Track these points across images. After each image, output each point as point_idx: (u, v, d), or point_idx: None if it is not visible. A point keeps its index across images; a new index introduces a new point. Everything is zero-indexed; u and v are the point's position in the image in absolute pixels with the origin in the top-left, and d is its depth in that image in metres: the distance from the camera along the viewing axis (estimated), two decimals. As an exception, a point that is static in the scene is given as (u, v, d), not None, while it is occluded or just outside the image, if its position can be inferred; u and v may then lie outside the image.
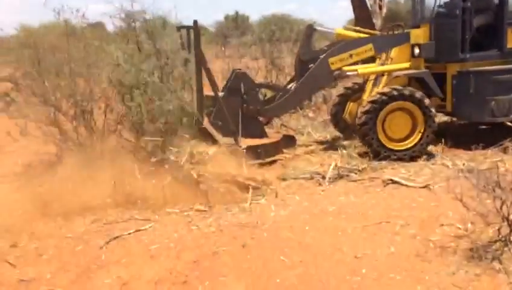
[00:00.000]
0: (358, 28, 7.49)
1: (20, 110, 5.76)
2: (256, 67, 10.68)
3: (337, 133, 7.33)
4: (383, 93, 5.78)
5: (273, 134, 6.66)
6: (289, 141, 6.62)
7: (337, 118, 7.23)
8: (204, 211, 4.49)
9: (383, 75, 6.45)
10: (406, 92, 5.79)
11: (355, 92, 7.10)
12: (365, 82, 7.01)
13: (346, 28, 7.52)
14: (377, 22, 11.23)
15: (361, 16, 11.26)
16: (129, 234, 4.04)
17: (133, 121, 5.37)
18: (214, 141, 5.66)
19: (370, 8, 11.30)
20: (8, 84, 5.81)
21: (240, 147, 5.64)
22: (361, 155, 5.95)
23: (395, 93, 5.75)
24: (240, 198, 4.72)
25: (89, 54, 6.02)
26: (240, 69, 6.79)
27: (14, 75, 5.76)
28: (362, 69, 6.45)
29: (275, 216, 4.25)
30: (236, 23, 36.24)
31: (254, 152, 5.69)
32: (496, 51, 6.30)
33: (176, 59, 5.52)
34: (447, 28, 6.30)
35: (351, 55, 6.13)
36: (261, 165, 5.73)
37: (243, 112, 6.13)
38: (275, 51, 11.14)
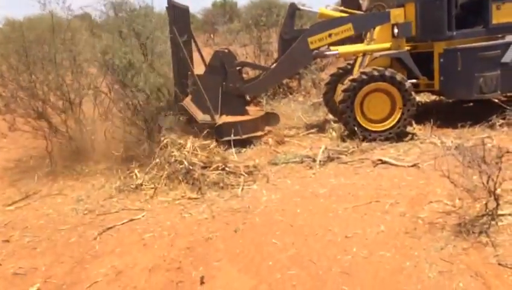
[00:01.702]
0: (341, 8, 7.46)
1: (8, 105, 5.73)
2: (244, 53, 10.61)
3: (327, 117, 7.34)
4: (353, 80, 5.83)
5: (256, 111, 6.67)
6: (272, 118, 6.65)
7: (327, 98, 7.24)
8: (197, 198, 4.51)
9: (364, 55, 6.45)
10: (376, 73, 5.81)
11: (347, 73, 7.09)
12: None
13: (332, 9, 7.47)
14: (364, 2, 11.14)
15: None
16: (122, 224, 4.07)
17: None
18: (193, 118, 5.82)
19: (356, -12, 11.20)
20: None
21: (216, 123, 5.76)
22: (351, 137, 5.99)
23: (364, 77, 5.79)
24: (232, 184, 4.75)
25: (76, 45, 5.99)
26: (227, 48, 6.76)
27: (-1, 70, 5.71)
28: (343, 49, 6.45)
29: (267, 201, 4.29)
30: (224, 10, 35.78)
31: (231, 128, 5.79)
32: (482, 28, 6.31)
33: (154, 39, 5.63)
34: (432, 5, 6.28)
35: (330, 35, 6.10)
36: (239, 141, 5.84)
37: (223, 90, 6.17)
38: (263, 36, 11.08)
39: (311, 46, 6.09)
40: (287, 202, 4.20)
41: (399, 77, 5.84)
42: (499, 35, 6.27)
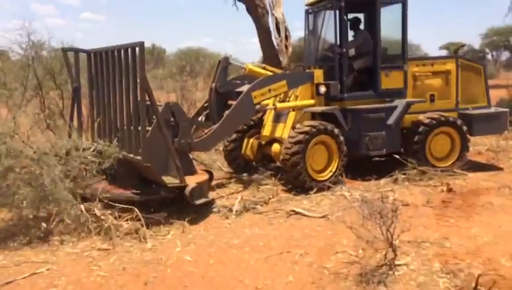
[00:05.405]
0: (264, 65, 7.86)
1: None
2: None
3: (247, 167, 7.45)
4: (304, 132, 6.12)
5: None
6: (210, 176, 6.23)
7: (234, 154, 7.36)
8: (107, 249, 4.37)
9: (293, 110, 6.78)
10: (329, 126, 6.28)
11: (250, 128, 7.36)
12: (260, 118, 7.32)
13: (256, 65, 7.82)
14: (283, 60, 11.83)
15: (269, 53, 11.84)
16: (23, 278, 3.81)
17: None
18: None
19: (277, 47, 11.91)
20: None
21: (187, 185, 5.18)
22: (268, 188, 6.18)
23: (314, 130, 6.17)
24: (145, 235, 4.66)
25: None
26: (175, 102, 6.44)
27: None
28: (280, 104, 6.80)
29: (180, 251, 4.26)
30: (152, 56, 35.93)
31: (201, 190, 5.32)
32: (372, 92, 7.03)
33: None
34: (329, 70, 6.93)
35: (270, 90, 6.40)
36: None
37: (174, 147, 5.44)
38: (189, 85, 11.28)
39: (255, 100, 6.26)
40: (200, 252, 4.21)
41: (336, 130, 6.32)
42: (387, 99, 6.95)
